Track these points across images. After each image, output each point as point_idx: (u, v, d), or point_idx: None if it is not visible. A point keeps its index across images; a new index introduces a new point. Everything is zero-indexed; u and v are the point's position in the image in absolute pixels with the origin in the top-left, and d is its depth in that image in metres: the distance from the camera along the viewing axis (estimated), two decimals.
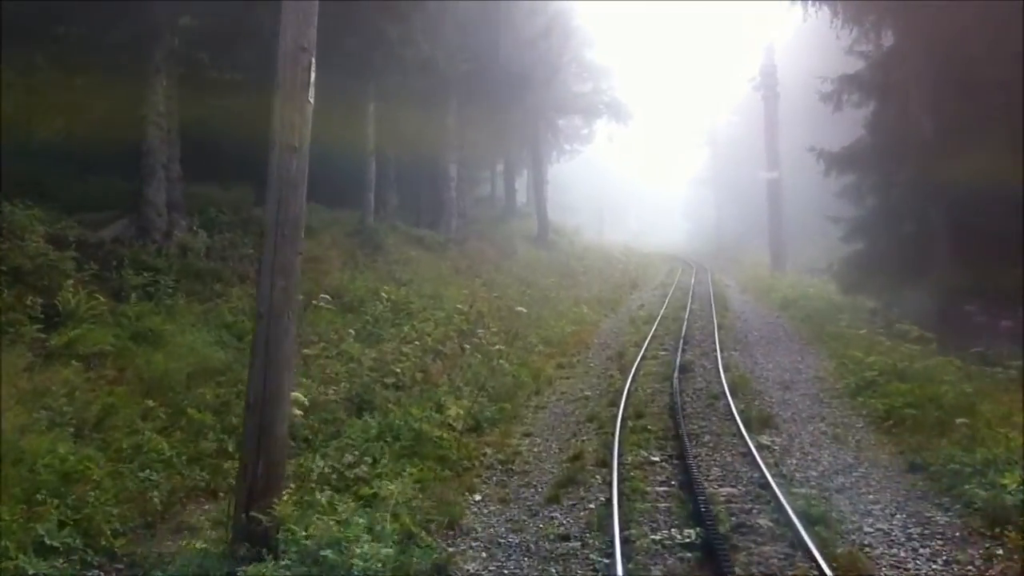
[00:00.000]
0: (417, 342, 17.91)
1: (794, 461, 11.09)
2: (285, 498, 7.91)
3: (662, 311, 27.88)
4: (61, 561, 7.54)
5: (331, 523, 7.85)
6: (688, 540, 8.34)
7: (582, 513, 9.38)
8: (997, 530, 8.33)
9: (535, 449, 12.08)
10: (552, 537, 8.70)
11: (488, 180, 58.80)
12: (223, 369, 13.39)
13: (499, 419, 13.52)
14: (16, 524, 7.65)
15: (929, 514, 9.07)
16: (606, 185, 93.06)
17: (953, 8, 20.50)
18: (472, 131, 43.21)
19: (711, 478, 10.41)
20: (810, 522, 8.56)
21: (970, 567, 7.72)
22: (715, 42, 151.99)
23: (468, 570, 8.00)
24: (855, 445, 11.79)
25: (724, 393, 14.86)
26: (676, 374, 16.65)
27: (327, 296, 20.93)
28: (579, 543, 8.52)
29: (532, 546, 8.54)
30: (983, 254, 19.80)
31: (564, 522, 9.16)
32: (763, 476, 10.17)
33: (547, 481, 10.57)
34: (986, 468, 9.72)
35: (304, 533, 7.59)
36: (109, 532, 8.17)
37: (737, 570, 7.61)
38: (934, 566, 7.78)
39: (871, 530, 8.67)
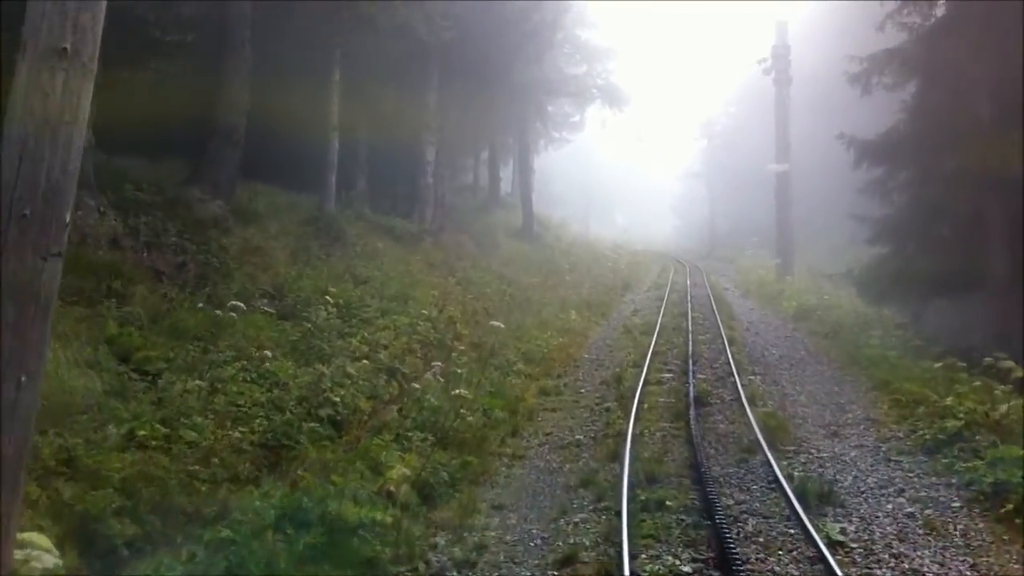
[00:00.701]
0: (367, 359, 14.24)
1: (887, 574, 7.50)
2: None
3: (660, 319, 24.31)
4: None
5: None
6: None
7: None
8: None
9: (508, 538, 8.40)
10: None
11: (471, 168, 55.10)
12: (87, 405, 9.70)
13: (460, 479, 9.88)
14: None
15: None
16: (593, 177, 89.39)
17: None
18: (455, 111, 39.50)
19: None
20: None
21: None
22: (717, 23, 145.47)
23: None
24: (963, 542, 8.20)
25: (759, 443, 11.26)
26: (691, 410, 13.06)
27: (267, 297, 17.50)
28: None
29: None
30: None
31: None
32: None
33: None
34: None
35: None
36: None
37: None
38: None
39: None
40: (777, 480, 9.74)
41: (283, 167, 25.46)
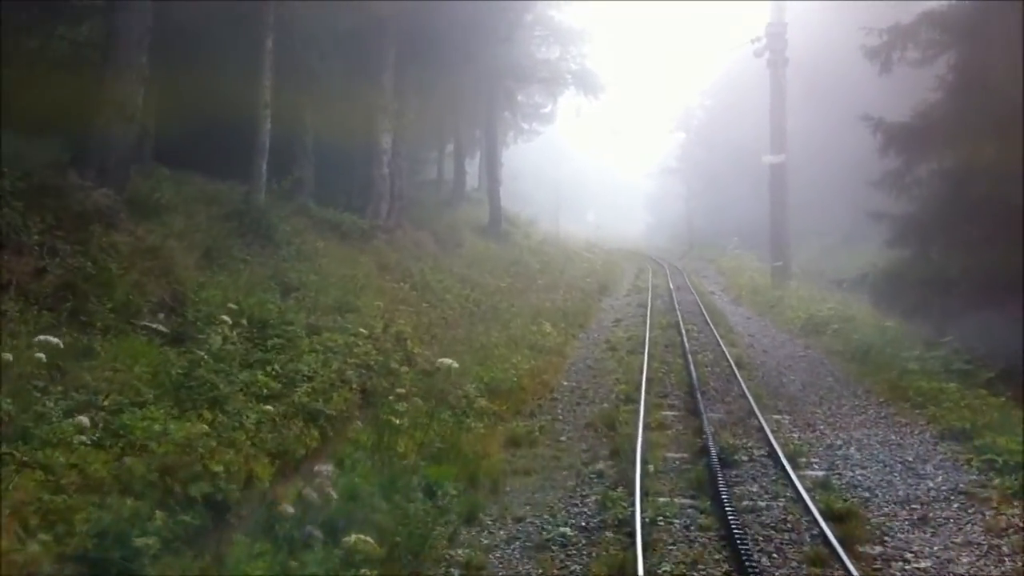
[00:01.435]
0: (274, 403, 10.49)
1: None
2: None
3: (648, 332, 20.66)
4: None
5: None
6: None
7: None
8: None
9: None
10: None
11: (435, 161, 51.28)
12: None
13: None
14: None
15: None
16: (564, 172, 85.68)
17: None
18: (415, 96, 35.67)
19: None
20: None
21: None
22: (697, 8, 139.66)
23: None
24: None
25: (826, 541, 7.61)
26: (718, 477, 9.34)
27: (162, 312, 13.83)
28: None
29: None
30: None
31: None
32: None
33: None
34: None
35: None
36: None
37: None
38: None
39: None
40: None
41: (206, 151, 21.52)
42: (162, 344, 11.77)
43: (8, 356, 8.34)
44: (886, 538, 8.00)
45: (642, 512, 8.27)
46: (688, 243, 56.94)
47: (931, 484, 9.58)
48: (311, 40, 25.24)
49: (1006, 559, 7.52)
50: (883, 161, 20.95)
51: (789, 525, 8.25)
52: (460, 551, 7.68)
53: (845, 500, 8.86)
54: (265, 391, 11.25)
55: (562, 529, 8.17)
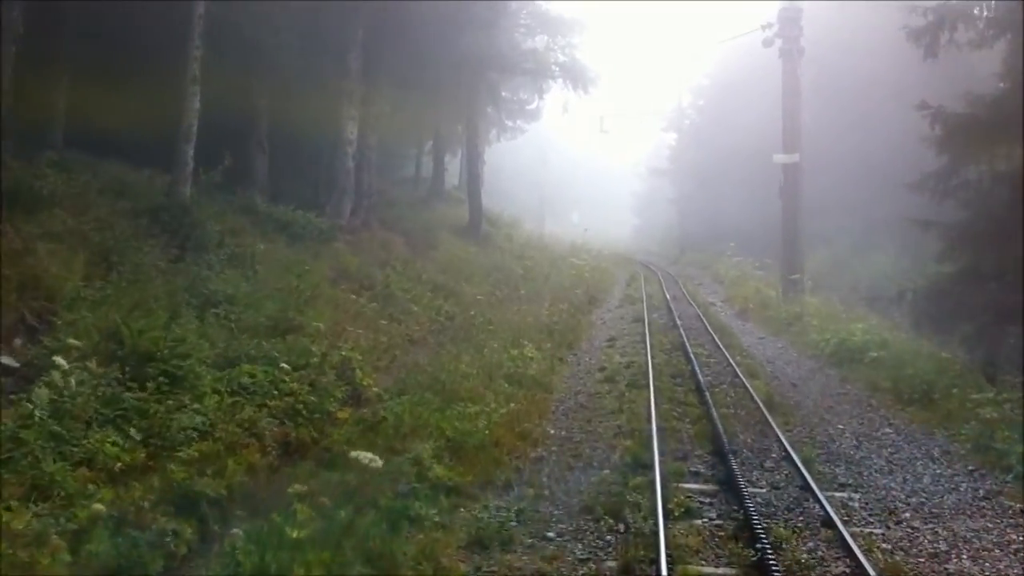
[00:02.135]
0: (126, 484, 7.04)
1: None
2: None
3: (649, 356, 17.23)
4: None
5: None
6: None
7: None
8: None
9: None
10: None
11: (414, 158, 47.76)
12: None
13: None
14: None
15: None
16: (550, 172, 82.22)
17: None
18: (389, 85, 32.15)
19: None
20: None
21: None
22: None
23: None
24: None
25: None
26: None
27: (21, 336, 10.65)
28: None
29: None
30: None
31: None
32: None
33: None
34: None
35: None
36: None
37: None
38: None
39: None
40: None
41: (133, 137, 17.94)
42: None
43: None
44: None
45: None
46: (680, 247, 53.54)
47: None
48: (262, 14, 21.67)
49: None
50: (902, 162, 17.81)
51: None
52: None
53: None
54: (119, 464, 7.77)
55: None
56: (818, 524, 8.23)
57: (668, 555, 7.13)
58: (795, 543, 7.61)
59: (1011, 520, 8.58)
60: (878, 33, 35.52)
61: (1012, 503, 9.07)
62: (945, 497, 9.31)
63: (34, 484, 6.99)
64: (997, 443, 10.75)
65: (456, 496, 8.81)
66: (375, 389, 12.84)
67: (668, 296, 29.71)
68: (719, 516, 8.49)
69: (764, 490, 9.27)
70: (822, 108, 34.48)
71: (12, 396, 8.43)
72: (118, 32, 18.85)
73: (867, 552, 7.37)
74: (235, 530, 6.57)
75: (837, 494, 9.18)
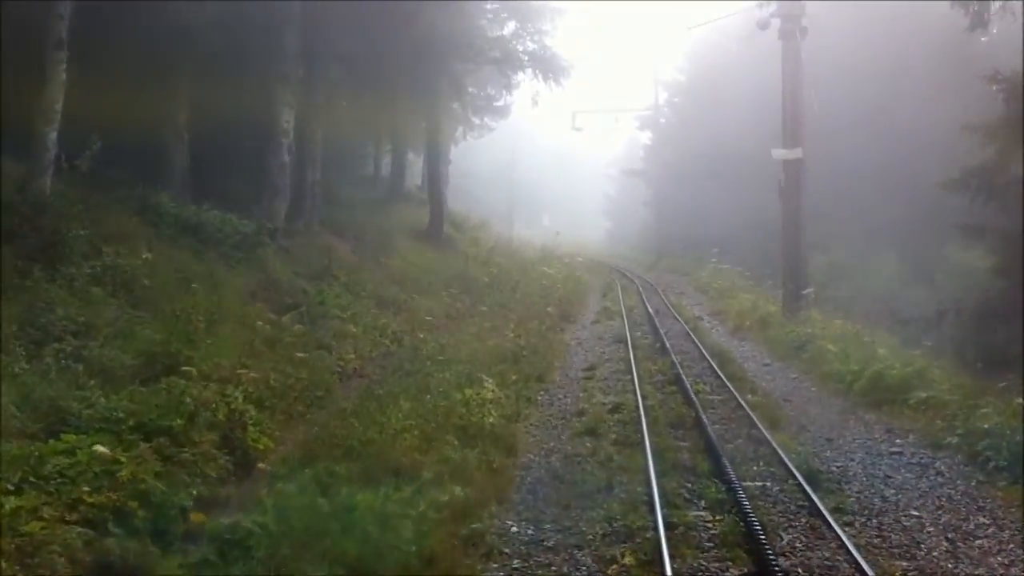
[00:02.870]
0: None
1: None
2: None
3: (639, 393, 13.66)
4: None
5: None
6: None
7: None
8: None
9: None
10: None
11: (373, 156, 43.91)
12: None
13: None
14: None
15: None
16: (519, 172, 78.61)
17: None
18: (337, 71, 28.60)
19: None
20: None
21: None
22: None
23: None
24: None
25: None
26: None
27: None
28: None
29: None
30: None
31: None
32: None
33: None
34: None
35: None
36: None
37: None
38: None
39: None
40: None
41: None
42: None
43: None
44: None
45: None
46: (656, 253, 50.04)
47: None
48: None
49: None
50: (911, 161, 14.54)
51: None
52: None
53: None
54: None
55: None
56: None
57: None
58: None
59: None
60: (883, 21, 32.37)
61: None
62: None
63: None
64: None
65: None
66: (267, 460, 9.21)
67: (650, 309, 26.16)
68: None
69: None
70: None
71: None
72: None
73: None
74: None
75: None
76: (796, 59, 22.47)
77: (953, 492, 9.47)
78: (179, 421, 8.70)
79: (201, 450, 8.60)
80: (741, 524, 8.03)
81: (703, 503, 8.85)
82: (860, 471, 10.21)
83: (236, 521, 6.86)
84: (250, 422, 9.89)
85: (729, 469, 9.63)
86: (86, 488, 7.01)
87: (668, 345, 18.94)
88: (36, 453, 7.38)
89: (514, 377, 14.86)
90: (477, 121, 49.76)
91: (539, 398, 14.02)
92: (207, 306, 13.84)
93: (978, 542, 7.98)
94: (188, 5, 19.15)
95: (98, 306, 11.31)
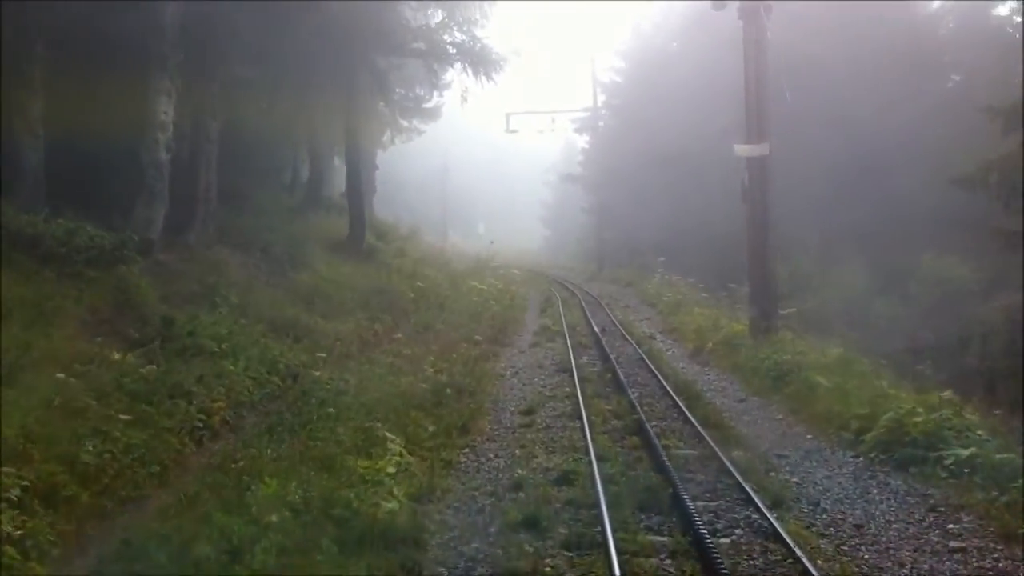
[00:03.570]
0: None
1: None
2: None
3: (594, 456, 10.28)
4: None
5: None
6: None
7: None
8: None
9: None
10: None
11: (293, 161, 39.96)
12: None
13: None
14: None
15: None
16: (452, 179, 75.06)
17: None
18: (235, 59, 24.90)
19: None
20: None
21: None
22: None
23: None
24: None
25: None
26: None
27: None
28: None
29: None
30: None
31: None
32: None
33: None
34: None
35: None
36: None
37: None
38: None
39: None
40: None
41: None
42: None
43: None
44: None
45: None
46: (598, 262, 46.90)
47: None
48: None
49: None
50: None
51: None
52: None
53: None
54: None
55: None
56: None
57: None
58: None
59: None
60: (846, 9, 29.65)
61: None
62: None
63: None
64: None
65: None
66: None
67: (595, 327, 22.94)
68: None
69: None
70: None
71: None
72: None
73: None
74: None
75: None
76: (760, 41, 19.40)
77: None
78: None
79: None
80: None
81: None
82: None
83: None
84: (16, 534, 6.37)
85: None
86: None
87: (621, 376, 15.67)
88: None
89: (431, 429, 11.43)
90: (405, 124, 46.27)
91: (461, 460, 10.56)
92: (16, 345, 10.23)
93: None
94: None
95: None
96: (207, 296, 17.03)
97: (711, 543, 7.47)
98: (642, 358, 18.31)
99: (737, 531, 8.13)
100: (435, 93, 47.60)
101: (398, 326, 22.00)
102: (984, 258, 23.21)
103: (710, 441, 11.11)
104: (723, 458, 10.27)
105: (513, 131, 45.85)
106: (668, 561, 7.34)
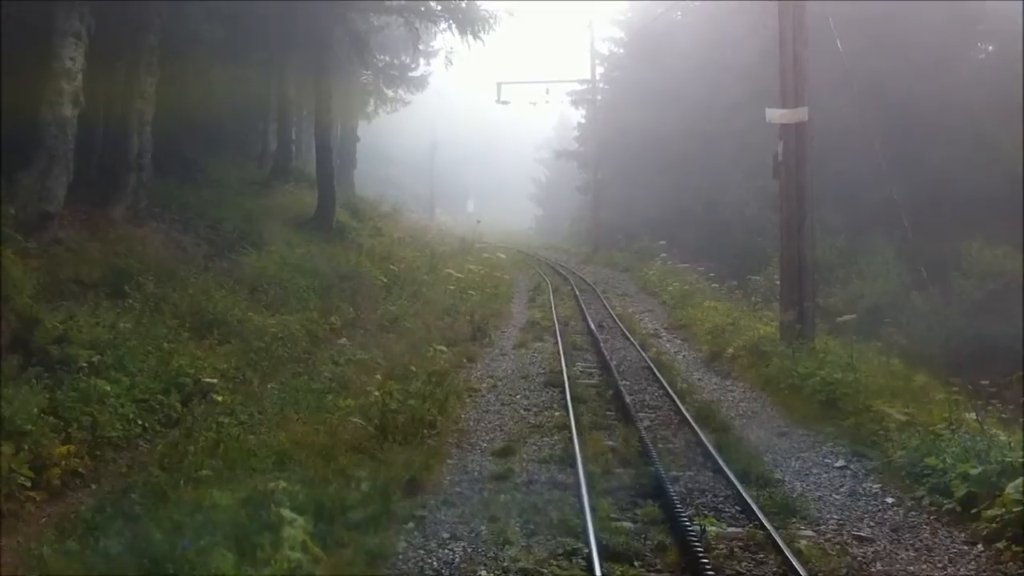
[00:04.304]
0: None
1: None
2: None
3: (594, 548, 6.84)
4: None
5: None
6: None
7: None
8: None
9: None
10: None
11: (262, 131, 36.23)
12: None
13: None
14: None
15: None
16: (440, 155, 71.29)
17: None
18: (202, 19, 21.51)
19: None
20: None
21: None
22: None
23: None
24: None
25: None
26: None
27: None
28: None
29: None
30: None
31: None
32: None
33: None
34: None
35: None
36: None
37: None
38: None
39: None
40: None
41: None
42: None
43: None
44: None
45: None
46: (592, 244, 43.34)
47: None
48: None
49: None
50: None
51: None
52: None
53: None
54: None
55: None
56: None
57: None
58: None
59: None
60: None
61: None
62: None
63: None
64: None
65: None
66: None
67: (591, 322, 19.51)
68: None
69: None
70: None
71: None
72: None
73: None
74: None
75: None
76: None
77: None
78: None
79: None
80: None
81: None
82: None
83: None
84: None
85: None
86: None
87: (626, 395, 12.23)
88: None
89: (364, 487, 7.96)
90: (390, 93, 42.64)
91: (399, 550, 7.07)
92: None
93: None
94: None
95: None
96: (114, 285, 13.58)
97: None
98: (648, 366, 14.88)
99: None
100: (421, 60, 44.09)
101: (360, 319, 18.57)
102: None
103: (757, 512, 7.69)
104: (784, 549, 6.83)
105: (504, 102, 42.08)
106: None
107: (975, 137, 24.23)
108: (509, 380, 13.93)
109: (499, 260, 31.96)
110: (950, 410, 10.10)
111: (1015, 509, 7.30)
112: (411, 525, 7.49)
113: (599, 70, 48.43)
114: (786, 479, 9.06)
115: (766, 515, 7.64)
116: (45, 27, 14.83)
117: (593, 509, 7.58)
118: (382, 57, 39.73)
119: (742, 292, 22.73)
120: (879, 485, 8.98)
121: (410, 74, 43.11)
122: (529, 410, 11.84)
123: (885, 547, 7.36)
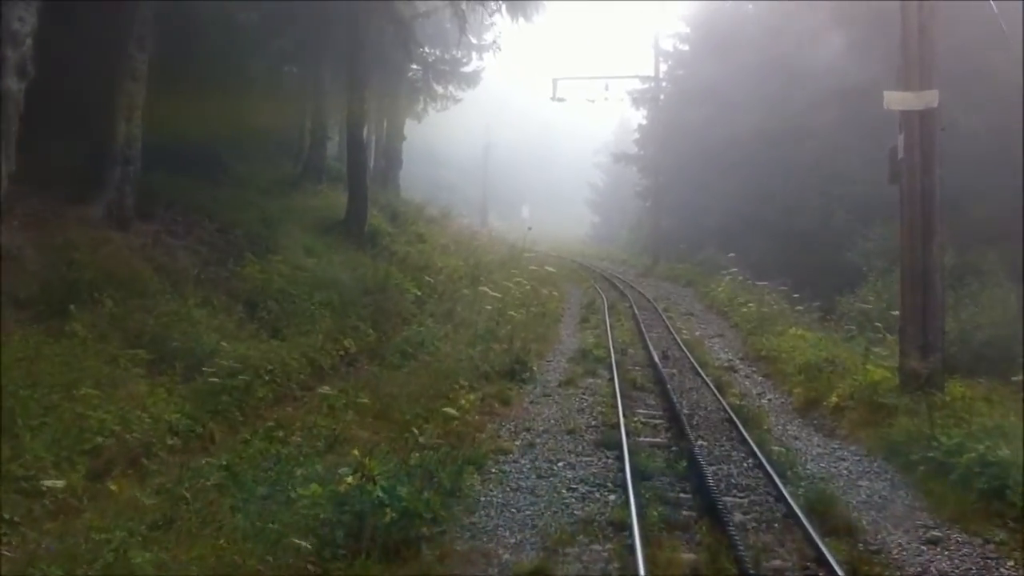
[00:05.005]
0: None
1: None
2: None
3: None
4: None
5: None
6: None
7: None
8: None
9: None
10: None
11: (299, 127, 33.46)
12: None
13: None
14: None
15: None
16: (493, 157, 68.24)
17: None
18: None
19: None
20: None
21: None
22: None
23: None
24: None
25: None
26: None
27: None
28: None
29: None
30: None
31: None
32: None
33: None
34: None
35: None
36: None
37: None
38: None
39: None
40: None
41: None
42: None
43: None
44: None
45: None
46: (652, 255, 39.86)
47: None
48: None
49: None
50: None
51: None
52: None
53: None
54: None
55: None
56: None
57: None
58: None
59: None
60: None
61: None
62: None
63: None
64: None
65: None
66: None
67: (653, 350, 16.25)
68: None
69: None
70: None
71: None
72: None
73: None
74: None
75: None
76: None
77: None
78: None
79: None
80: None
81: None
82: None
83: None
84: None
85: None
86: None
87: (706, 469, 8.96)
88: None
89: None
90: (440, 90, 39.65)
91: None
92: None
93: None
94: None
95: None
96: (58, 303, 10.69)
97: None
98: (729, 417, 11.57)
99: None
100: (473, 55, 41.11)
101: (381, 343, 15.56)
102: None
103: None
104: None
105: (560, 99, 38.87)
106: None
107: None
108: (550, 436, 10.70)
109: (547, 276, 28.32)
110: None
111: None
112: None
113: (663, 68, 44.97)
114: None
115: None
116: None
117: None
118: (431, 51, 37.06)
119: (832, 318, 19.25)
120: None
121: (462, 69, 40.28)
122: (574, 490, 8.62)
123: None
